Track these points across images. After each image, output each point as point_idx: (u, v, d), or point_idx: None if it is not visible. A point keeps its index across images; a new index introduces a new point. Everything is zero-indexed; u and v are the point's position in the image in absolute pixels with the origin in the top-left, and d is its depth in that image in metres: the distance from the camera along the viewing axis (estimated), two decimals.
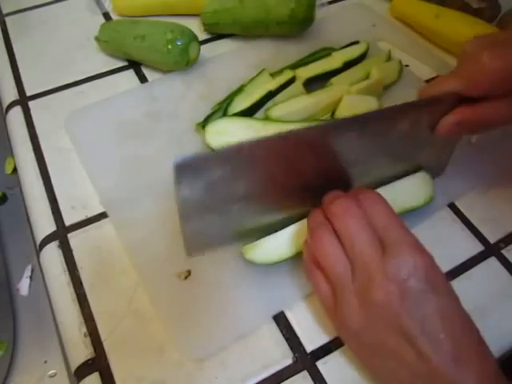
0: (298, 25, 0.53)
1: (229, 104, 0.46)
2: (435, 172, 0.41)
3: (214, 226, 0.34)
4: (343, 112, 0.46)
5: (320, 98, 0.46)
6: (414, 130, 0.35)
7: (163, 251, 0.38)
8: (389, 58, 0.52)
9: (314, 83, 0.49)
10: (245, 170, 0.31)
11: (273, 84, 0.47)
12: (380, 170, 0.38)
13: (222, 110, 0.46)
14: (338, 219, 0.32)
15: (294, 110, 0.45)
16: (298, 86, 0.48)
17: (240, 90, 0.47)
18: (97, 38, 0.54)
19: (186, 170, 0.30)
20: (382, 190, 0.38)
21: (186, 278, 0.36)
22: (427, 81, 0.52)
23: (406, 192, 0.39)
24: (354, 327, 0.30)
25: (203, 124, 0.45)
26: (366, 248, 0.30)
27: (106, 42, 0.53)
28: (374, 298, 0.29)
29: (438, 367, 0.27)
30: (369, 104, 0.46)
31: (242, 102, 0.46)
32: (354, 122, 0.32)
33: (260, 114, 0.46)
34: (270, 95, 0.47)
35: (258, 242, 0.36)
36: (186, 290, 0.36)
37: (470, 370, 0.27)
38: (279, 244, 0.36)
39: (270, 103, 0.47)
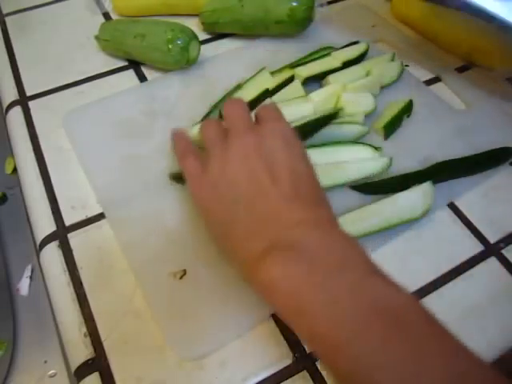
0: (298, 24, 0.53)
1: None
2: None
3: None
4: (344, 110, 0.46)
5: (318, 102, 0.46)
6: None
7: (159, 251, 0.38)
8: (393, 59, 0.52)
9: (313, 82, 0.49)
10: None
11: (271, 83, 0.47)
12: None
13: (218, 108, 0.46)
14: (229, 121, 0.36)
15: (291, 114, 0.45)
16: (296, 85, 0.48)
17: (237, 88, 0.47)
18: (97, 38, 0.54)
19: None
20: (383, 203, 0.39)
21: (181, 277, 0.36)
22: (426, 81, 0.52)
23: (407, 204, 0.39)
24: (213, 179, 0.33)
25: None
26: (239, 121, 0.36)
27: (106, 41, 0.53)
28: (234, 146, 0.34)
29: (276, 203, 0.30)
30: (366, 101, 0.46)
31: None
32: None
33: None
34: (268, 94, 0.47)
35: None
36: (182, 289, 0.36)
37: (302, 209, 0.30)
38: None
39: (268, 101, 0.47)
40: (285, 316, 0.28)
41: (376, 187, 0.41)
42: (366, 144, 0.43)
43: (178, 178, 0.41)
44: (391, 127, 0.46)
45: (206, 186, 0.34)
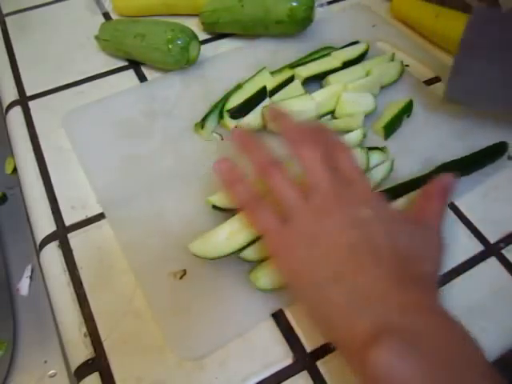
0: (297, 24, 0.53)
1: (226, 102, 0.46)
2: None
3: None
4: (344, 110, 0.46)
5: (320, 100, 0.46)
6: None
7: (159, 251, 0.38)
8: (392, 59, 0.52)
9: (313, 82, 0.49)
10: None
11: (270, 82, 0.47)
12: None
13: (218, 108, 0.46)
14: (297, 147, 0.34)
15: (293, 112, 0.45)
16: (297, 85, 0.48)
17: (237, 88, 0.47)
18: (97, 37, 0.54)
19: None
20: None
21: (181, 277, 0.36)
22: (426, 81, 0.52)
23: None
24: (300, 239, 0.31)
25: (202, 123, 0.45)
26: (322, 172, 0.32)
27: (106, 40, 0.53)
28: (330, 210, 0.31)
29: (382, 282, 0.28)
30: (366, 101, 0.46)
31: (237, 99, 0.46)
32: None
33: (257, 112, 0.46)
34: (266, 93, 0.47)
35: (262, 270, 0.35)
36: (182, 289, 0.36)
37: (413, 291, 0.28)
38: None
39: (268, 102, 0.47)
40: None
41: (388, 193, 0.40)
42: (373, 148, 0.43)
43: (220, 209, 0.38)
44: (391, 127, 0.46)
45: (290, 245, 0.31)
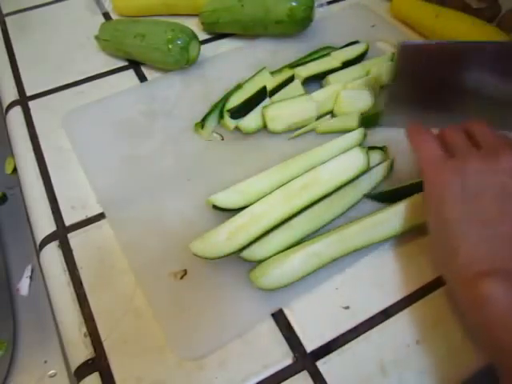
0: (297, 24, 0.53)
1: (226, 102, 0.46)
2: None
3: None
4: (342, 108, 0.46)
5: (319, 100, 0.46)
6: None
7: (160, 251, 0.38)
8: (392, 59, 0.52)
9: (313, 82, 0.49)
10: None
11: (270, 82, 0.47)
12: None
13: (218, 108, 0.46)
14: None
15: (293, 112, 0.45)
16: (296, 84, 0.48)
17: (237, 88, 0.47)
18: (97, 37, 0.54)
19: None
20: (399, 209, 0.38)
21: (182, 277, 0.36)
22: None
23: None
24: (460, 169, 0.33)
25: (202, 123, 0.45)
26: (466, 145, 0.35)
27: (106, 40, 0.53)
28: (502, 161, 0.33)
29: None
30: (363, 98, 0.47)
31: (237, 99, 0.46)
32: None
33: (257, 112, 0.46)
34: (266, 93, 0.47)
35: (264, 269, 0.35)
36: (182, 289, 0.36)
37: None
38: (288, 270, 0.35)
39: (268, 102, 0.47)
40: (497, 330, 0.28)
41: (392, 195, 0.40)
42: (373, 148, 0.43)
43: (220, 209, 0.38)
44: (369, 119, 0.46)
45: (449, 173, 0.34)
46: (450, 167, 0.34)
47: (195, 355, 0.33)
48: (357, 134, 0.44)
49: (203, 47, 0.53)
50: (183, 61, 0.50)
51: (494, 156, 0.33)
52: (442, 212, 0.33)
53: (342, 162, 0.40)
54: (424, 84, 0.42)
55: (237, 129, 0.46)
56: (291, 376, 0.33)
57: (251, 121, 0.46)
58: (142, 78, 0.53)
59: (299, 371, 0.33)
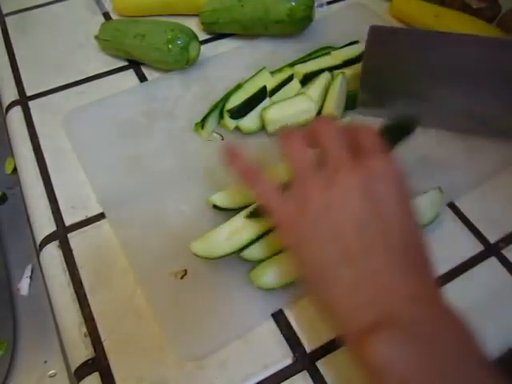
0: (297, 24, 0.53)
1: (226, 102, 0.46)
2: None
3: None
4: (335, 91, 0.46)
5: (315, 95, 0.46)
6: None
7: (160, 251, 0.38)
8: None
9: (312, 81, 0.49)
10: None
11: (270, 81, 0.47)
12: None
13: (218, 108, 0.46)
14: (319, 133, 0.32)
15: (292, 114, 0.45)
16: (295, 84, 0.48)
17: (237, 88, 0.47)
18: (97, 37, 0.54)
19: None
20: None
21: (182, 277, 0.37)
22: None
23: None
24: (313, 219, 0.29)
25: (202, 123, 0.45)
26: (338, 150, 0.30)
27: (106, 40, 0.53)
28: (338, 184, 0.29)
29: (389, 269, 0.27)
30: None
31: (237, 99, 0.46)
32: None
33: (257, 112, 0.46)
34: (266, 93, 0.47)
35: (263, 269, 0.35)
36: (182, 289, 0.36)
37: (416, 281, 0.27)
38: (288, 270, 0.35)
39: (268, 102, 0.47)
40: None
41: None
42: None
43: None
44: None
45: (303, 225, 0.30)
46: (302, 222, 0.30)
47: (195, 355, 0.33)
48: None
49: (203, 47, 0.53)
50: (183, 61, 0.50)
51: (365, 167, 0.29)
52: (303, 256, 0.30)
53: None
54: (395, 70, 0.42)
55: (237, 129, 0.46)
56: (291, 376, 0.33)
57: (251, 121, 0.46)
58: (142, 78, 0.53)
59: (299, 371, 0.33)
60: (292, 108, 0.45)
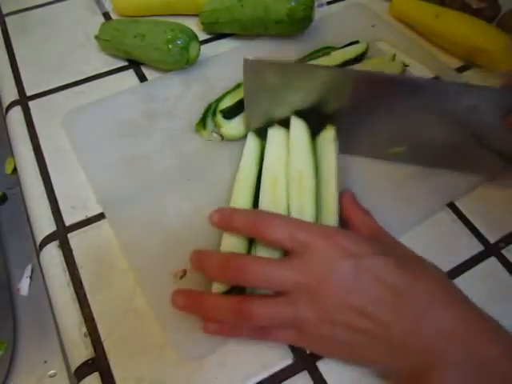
0: (297, 24, 0.53)
1: (219, 102, 0.46)
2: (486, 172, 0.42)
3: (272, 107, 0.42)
4: None
5: None
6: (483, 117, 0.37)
7: (159, 251, 0.38)
8: (393, 59, 0.52)
9: None
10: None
11: None
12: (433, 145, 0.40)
13: (212, 107, 0.46)
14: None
15: None
16: None
17: (235, 88, 0.47)
18: (97, 37, 0.54)
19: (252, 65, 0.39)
20: None
21: (181, 277, 0.37)
22: None
23: None
24: (313, 330, 0.30)
25: (203, 123, 0.45)
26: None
27: (106, 40, 0.53)
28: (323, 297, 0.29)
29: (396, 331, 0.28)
30: None
31: (232, 99, 0.46)
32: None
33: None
34: None
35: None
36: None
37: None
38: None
39: None
40: None
41: None
42: None
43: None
44: None
45: (309, 337, 0.30)
46: (307, 336, 0.30)
47: (195, 355, 0.33)
48: None
49: (203, 47, 0.53)
50: (183, 61, 0.50)
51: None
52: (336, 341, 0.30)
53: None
54: (273, 101, 0.41)
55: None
56: (291, 376, 0.33)
57: (242, 122, 0.45)
58: (142, 79, 0.53)
59: (299, 371, 0.33)
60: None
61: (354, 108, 0.39)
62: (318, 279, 0.28)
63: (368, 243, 0.30)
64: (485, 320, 0.29)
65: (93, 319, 0.35)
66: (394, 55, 0.52)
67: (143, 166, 0.44)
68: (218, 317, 0.31)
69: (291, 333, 0.31)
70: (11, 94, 0.51)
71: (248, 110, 0.43)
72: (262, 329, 0.31)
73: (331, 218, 0.36)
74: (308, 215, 0.36)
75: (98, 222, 0.40)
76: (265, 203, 0.37)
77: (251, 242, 0.35)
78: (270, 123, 0.43)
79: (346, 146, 0.42)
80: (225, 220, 0.33)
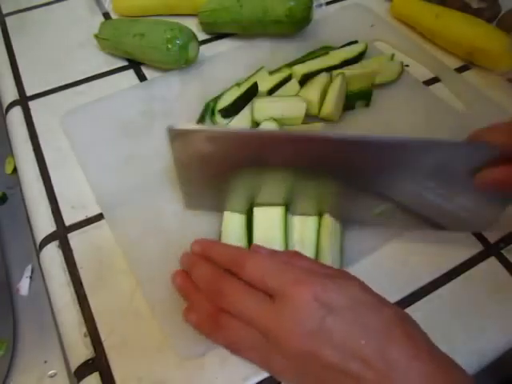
0: (296, 24, 0.53)
1: (217, 101, 0.46)
2: (476, 227, 0.38)
3: (206, 190, 0.37)
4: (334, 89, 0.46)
5: (316, 97, 0.46)
6: (448, 173, 0.33)
7: (158, 251, 0.38)
8: (392, 59, 0.52)
9: None
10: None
11: (268, 81, 0.47)
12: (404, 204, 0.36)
13: (210, 107, 0.46)
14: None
15: (280, 105, 0.45)
16: (294, 84, 0.48)
17: (232, 87, 0.48)
18: (96, 36, 0.54)
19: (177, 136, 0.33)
20: None
21: None
22: (426, 81, 0.52)
23: None
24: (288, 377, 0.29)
25: (201, 122, 0.45)
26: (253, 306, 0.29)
27: (106, 39, 0.53)
28: (289, 349, 0.28)
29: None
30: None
31: (230, 97, 0.46)
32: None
33: (249, 110, 0.46)
34: (257, 90, 0.47)
35: None
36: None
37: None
38: None
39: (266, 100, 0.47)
40: None
41: None
42: None
43: None
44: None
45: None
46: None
47: (195, 354, 0.33)
48: None
49: (202, 47, 0.53)
50: (182, 60, 0.50)
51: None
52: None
53: None
54: (203, 170, 0.36)
55: None
56: None
57: (241, 119, 0.45)
58: (142, 78, 0.53)
59: None
60: (282, 102, 0.45)
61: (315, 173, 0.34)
62: (286, 331, 0.28)
63: (343, 291, 0.29)
64: (447, 371, 0.28)
65: (93, 319, 0.35)
66: (393, 55, 0.52)
67: (142, 165, 0.44)
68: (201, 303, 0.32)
69: (258, 359, 0.30)
70: (11, 94, 0.51)
71: (183, 186, 0.38)
72: (234, 343, 0.31)
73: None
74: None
75: (98, 222, 0.40)
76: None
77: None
78: (206, 193, 0.38)
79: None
80: (205, 252, 0.34)
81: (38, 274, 0.48)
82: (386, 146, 0.31)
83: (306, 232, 0.38)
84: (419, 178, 0.33)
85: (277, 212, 0.38)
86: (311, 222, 0.38)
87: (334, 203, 0.38)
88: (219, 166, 0.35)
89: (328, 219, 0.38)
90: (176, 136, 0.33)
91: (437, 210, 0.36)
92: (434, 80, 0.53)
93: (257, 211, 0.38)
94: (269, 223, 0.38)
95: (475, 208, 0.35)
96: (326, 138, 0.31)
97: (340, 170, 0.34)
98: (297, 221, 0.39)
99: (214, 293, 0.31)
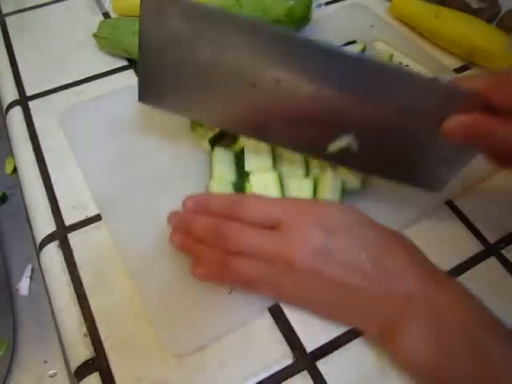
0: (295, 24, 0.53)
1: None
2: (431, 185, 0.38)
3: (169, 75, 0.34)
4: None
5: None
6: (418, 117, 0.32)
7: (156, 250, 0.38)
8: (391, 60, 0.52)
9: None
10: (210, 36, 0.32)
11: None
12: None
13: None
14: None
15: None
16: None
17: None
18: (95, 35, 0.54)
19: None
20: None
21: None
22: None
23: None
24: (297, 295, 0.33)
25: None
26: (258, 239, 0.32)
27: (104, 38, 0.53)
28: (298, 269, 0.30)
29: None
30: None
31: None
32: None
33: None
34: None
35: None
36: (178, 288, 0.36)
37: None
38: None
39: None
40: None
41: None
42: None
43: None
44: None
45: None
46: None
47: (193, 352, 0.33)
48: None
49: None
50: None
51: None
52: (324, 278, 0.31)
53: None
54: (177, 55, 0.33)
55: None
56: (291, 376, 0.33)
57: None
58: None
59: (299, 371, 0.33)
60: None
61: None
62: (293, 251, 0.30)
63: (340, 214, 0.33)
64: (440, 276, 0.32)
65: (93, 319, 0.35)
66: (392, 55, 0.52)
67: (141, 164, 0.43)
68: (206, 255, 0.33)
69: (269, 289, 0.33)
70: (11, 94, 0.51)
71: (142, 71, 0.34)
72: (246, 281, 0.33)
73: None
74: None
75: (98, 222, 0.40)
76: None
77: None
78: (170, 87, 0.35)
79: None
80: (200, 206, 0.34)
81: (38, 274, 0.48)
82: (366, 64, 0.32)
83: (303, 192, 0.38)
84: (388, 109, 0.32)
85: (271, 177, 0.38)
86: (306, 182, 0.39)
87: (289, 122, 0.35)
88: (188, 50, 0.32)
89: (327, 174, 0.38)
90: (148, 1, 0.31)
91: (397, 155, 0.35)
92: None
93: (252, 178, 0.38)
94: (264, 190, 0.38)
95: (435, 161, 0.35)
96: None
97: (305, 74, 0.33)
98: (292, 183, 0.39)
99: (219, 238, 0.32)
